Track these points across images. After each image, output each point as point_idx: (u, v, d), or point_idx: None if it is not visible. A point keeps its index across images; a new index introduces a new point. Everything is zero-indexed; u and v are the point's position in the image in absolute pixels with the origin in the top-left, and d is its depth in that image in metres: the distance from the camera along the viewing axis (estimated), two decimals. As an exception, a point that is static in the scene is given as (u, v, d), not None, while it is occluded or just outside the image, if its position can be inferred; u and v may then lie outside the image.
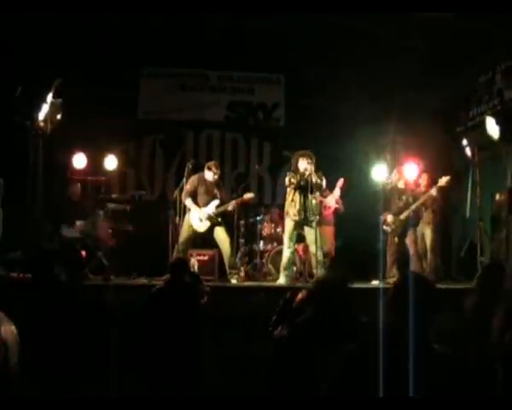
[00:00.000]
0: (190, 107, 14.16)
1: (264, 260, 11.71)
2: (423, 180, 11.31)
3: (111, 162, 12.18)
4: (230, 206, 10.75)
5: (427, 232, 11.13)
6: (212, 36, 12.39)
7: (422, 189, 11.14)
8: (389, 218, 10.93)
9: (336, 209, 11.78)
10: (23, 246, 9.47)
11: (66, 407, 5.51)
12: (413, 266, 10.60)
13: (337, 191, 11.71)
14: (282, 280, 10.36)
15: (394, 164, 11.83)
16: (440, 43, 11.82)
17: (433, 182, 11.07)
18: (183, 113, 14.17)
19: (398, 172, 11.21)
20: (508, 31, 10.63)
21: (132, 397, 6.14)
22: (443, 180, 10.68)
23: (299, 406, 4.52)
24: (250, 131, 14.53)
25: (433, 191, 10.76)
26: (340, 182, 11.66)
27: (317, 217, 10.32)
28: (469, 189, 11.07)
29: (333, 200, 11.67)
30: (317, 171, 10.24)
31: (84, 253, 10.40)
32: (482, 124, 11.01)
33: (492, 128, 10.60)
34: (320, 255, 10.21)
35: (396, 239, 10.96)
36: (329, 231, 11.65)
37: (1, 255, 9.39)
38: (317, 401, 3.73)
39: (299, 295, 5.57)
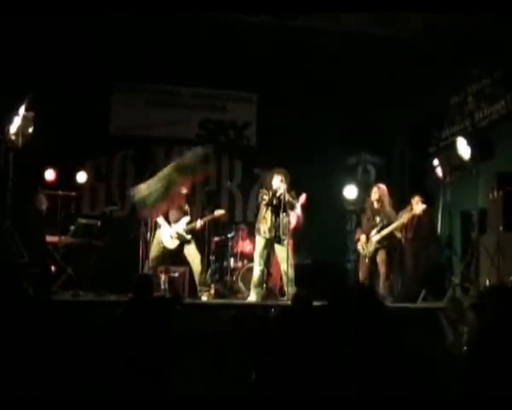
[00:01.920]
0: (162, 123, 14.11)
1: (234, 278, 11.63)
2: (415, 203, 11.21)
3: (82, 177, 12.07)
4: (201, 223, 10.67)
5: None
6: (184, 52, 12.31)
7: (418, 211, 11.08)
8: (362, 238, 10.87)
9: (296, 227, 11.67)
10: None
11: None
12: (381, 285, 10.54)
13: (298, 208, 11.59)
14: (252, 297, 10.28)
15: (366, 183, 11.83)
16: (412, 62, 11.89)
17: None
18: (155, 129, 14.10)
19: (374, 192, 11.12)
20: (479, 51, 10.73)
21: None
22: (418, 208, 10.63)
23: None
24: (221, 148, 14.44)
25: (406, 219, 10.71)
26: (302, 198, 11.55)
27: (287, 236, 10.25)
28: (440, 208, 11.07)
29: (294, 217, 11.55)
30: (290, 190, 10.18)
31: (53, 268, 10.24)
32: (454, 144, 11.05)
33: (463, 149, 10.65)
34: (291, 273, 10.15)
35: (367, 260, 10.90)
36: (290, 244, 11.54)
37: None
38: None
39: (272, 313, 5.51)
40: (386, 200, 10.98)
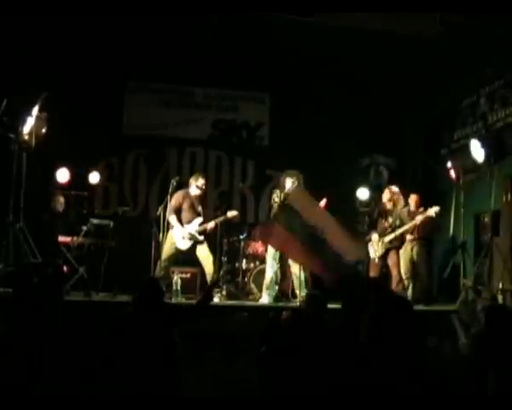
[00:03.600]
0: (175, 123, 14.10)
1: (246, 279, 11.62)
2: (412, 201, 11.25)
3: (94, 177, 12.09)
4: (213, 224, 10.69)
5: (412, 253, 11.04)
6: (198, 51, 12.32)
7: (413, 209, 11.08)
8: (374, 237, 10.85)
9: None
10: (4, 259, 9.33)
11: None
12: (394, 288, 10.51)
13: None
14: (264, 299, 10.28)
15: (378, 185, 11.80)
16: (425, 63, 11.84)
17: (421, 203, 11.07)
18: (168, 129, 14.08)
19: (387, 193, 11.12)
20: (492, 52, 10.67)
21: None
22: (432, 211, 10.60)
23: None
24: (234, 149, 14.45)
25: (419, 220, 10.68)
26: (323, 202, 11.56)
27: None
28: (453, 210, 11.06)
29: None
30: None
31: (65, 268, 10.26)
32: (467, 147, 11.02)
33: (477, 151, 10.62)
34: (303, 276, 10.15)
35: (378, 260, 10.89)
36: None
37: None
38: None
39: (284, 315, 5.49)
40: (399, 201, 10.98)
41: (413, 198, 11.26)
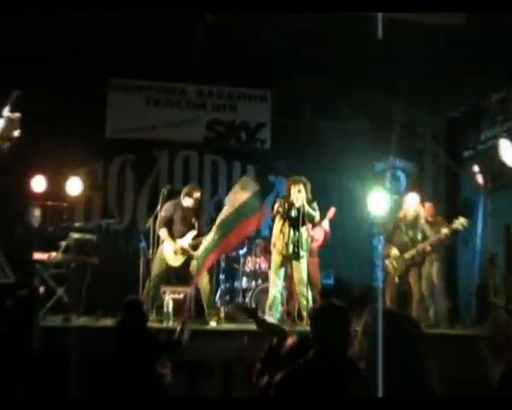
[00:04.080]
0: (165, 125, 14.02)
1: (247, 300, 11.55)
2: (428, 211, 11.15)
3: (75, 186, 12.01)
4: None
5: (433, 271, 10.96)
6: (191, 45, 12.22)
7: (429, 218, 10.98)
8: (393, 253, 10.71)
9: (323, 244, 11.60)
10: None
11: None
12: (415, 308, 10.41)
13: (326, 223, 11.52)
14: (268, 322, 10.20)
15: (396, 192, 11.73)
16: (447, 55, 11.75)
17: (436, 212, 10.98)
18: (157, 131, 13.99)
19: (404, 202, 11.00)
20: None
21: None
22: (459, 222, 10.42)
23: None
24: (232, 153, 14.39)
25: (445, 234, 10.52)
26: (331, 212, 11.49)
27: (307, 252, 10.19)
28: (480, 221, 10.97)
29: (321, 233, 11.48)
30: (310, 200, 10.10)
31: (42, 289, 10.19)
32: (495, 148, 10.92)
33: (507, 153, 10.51)
34: (311, 295, 10.09)
35: (397, 279, 10.76)
36: (315, 262, 11.42)
37: None
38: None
39: (289, 341, 5.38)
40: (420, 211, 10.87)
41: (427, 208, 11.15)
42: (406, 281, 10.71)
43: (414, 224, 10.72)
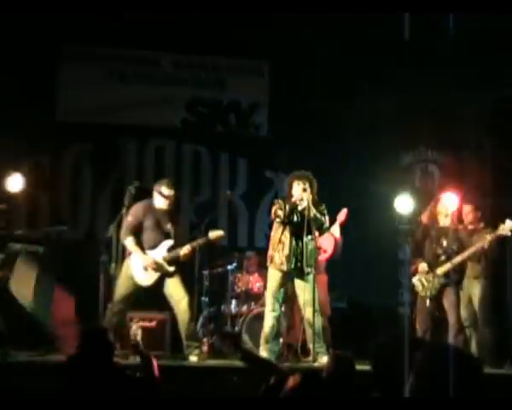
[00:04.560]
0: (132, 105, 14.00)
1: (237, 328, 11.53)
2: (467, 215, 11.14)
3: (15, 184, 11.96)
4: (188, 249, 10.56)
5: (474, 291, 10.94)
6: (166, 3, 12.16)
7: (469, 225, 10.97)
8: (422, 268, 10.69)
9: (332, 256, 11.55)
10: None
11: None
12: (452, 341, 10.39)
13: (337, 229, 11.44)
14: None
15: (427, 193, 11.74)
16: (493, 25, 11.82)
17: (479, 217, 10.97)
18: (122, 113, 14.00)
19: (436, 205, 11.00)
20: None
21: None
22: (506, 227, 10.42)
23: None
24: (218, 141, 14.36)
25: (487, 241, 10.50)
26: (343, 214, 11.44)
27: (314, 268, 10.18)
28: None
29: (331, 242, 11.43)
30: (317, 202, 10.08)
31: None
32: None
33: None
34: (318, 323, 10.06)
35: (428, 302, 10.75)
36: (322, 280, 11.37)
37: None
38: None
39: (290, 382, 5.32)
40: (457, 216, 10.89)
41: (467, 211, 11.13)
42: (439, 305, 10.71)
43: (449, 231, 10.72)
